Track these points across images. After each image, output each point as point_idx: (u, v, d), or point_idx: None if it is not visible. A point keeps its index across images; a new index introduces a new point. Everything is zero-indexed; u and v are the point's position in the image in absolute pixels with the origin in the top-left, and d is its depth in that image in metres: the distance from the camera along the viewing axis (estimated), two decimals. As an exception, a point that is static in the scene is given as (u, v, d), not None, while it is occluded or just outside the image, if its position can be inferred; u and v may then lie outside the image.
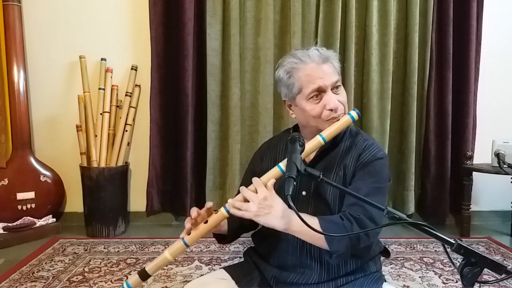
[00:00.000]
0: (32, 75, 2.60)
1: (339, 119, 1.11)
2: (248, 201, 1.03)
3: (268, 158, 1.29)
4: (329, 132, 1.09)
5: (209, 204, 1.14)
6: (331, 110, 1.12)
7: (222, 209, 1.08)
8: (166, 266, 1.91)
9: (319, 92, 1.12)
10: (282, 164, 1.05)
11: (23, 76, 2.48)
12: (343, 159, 1.16)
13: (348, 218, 1.05)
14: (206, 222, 1.10)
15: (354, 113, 1.10)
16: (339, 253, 1.05)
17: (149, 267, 1.13)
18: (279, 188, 1.13)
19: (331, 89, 1.13)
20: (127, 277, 1.82)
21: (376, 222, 1.06)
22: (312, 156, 1.18)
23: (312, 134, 1.14)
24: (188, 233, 1.10)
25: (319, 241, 1.04)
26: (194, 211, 1.11)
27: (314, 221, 1.03)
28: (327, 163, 1.17)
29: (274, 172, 1.06)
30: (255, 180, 1.05)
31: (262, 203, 1.01)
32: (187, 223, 1.10)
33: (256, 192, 1.03)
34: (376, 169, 1.13)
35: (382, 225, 0.98)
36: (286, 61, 1.17)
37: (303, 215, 1.01)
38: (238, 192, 1.10)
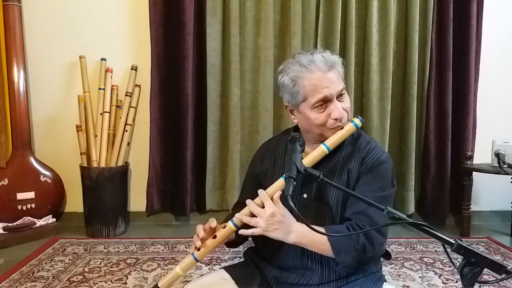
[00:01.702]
0: (32, 75, 2.60)
1: (342, 128, 1.11)
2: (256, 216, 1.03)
3: (268, 159, 1.28)
4: (333, 141, 1.09)
5: (213, 223, 1.12)
6: (336, 119, 1.11)
7: (230, 223, 1.09)
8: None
9: (325, 101, 1.11)
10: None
11: (23, 76, 2.48)
12: (346, 163, 1.15)
13: (354, 229, 1.05)
14: (214, 237, 1.10)
15: (357, 121, 1.10)
16: (346, 264, 1.06)
17: (161, 284, 1.13)
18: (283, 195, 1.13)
19: (336, 97, 1.12)
20: (127, 277, 1.82)
21: (382, 232, 1.07)
22: None
23: (314, 139, 1.13)
24: (198, 249, 1.10)
25: (327, 253, 1.06)
26: (201, 231, 1.09)
27: (321, 231, 1.02)
28: (330, 167, 1.16)
29: (279, 184, 1.06)
30: (261, 193, 1.05)
31: (270, 219, 1.01)
32: (197, 241, 1.09)
33: (263, 207, 1.03)
34: (381, 174, 1.13)
35: (382, 225, 0.98)
36: (290, 68, 1.14)
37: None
38: (240, 204, 1.09)
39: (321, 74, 1.10)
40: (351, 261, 1.05)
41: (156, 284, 1.14)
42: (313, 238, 1.03)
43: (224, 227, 1.10)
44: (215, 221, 1.13)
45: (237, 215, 1.07)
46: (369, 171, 1.13)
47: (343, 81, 1.16)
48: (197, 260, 1.11)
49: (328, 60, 1.12)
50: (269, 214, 1.01)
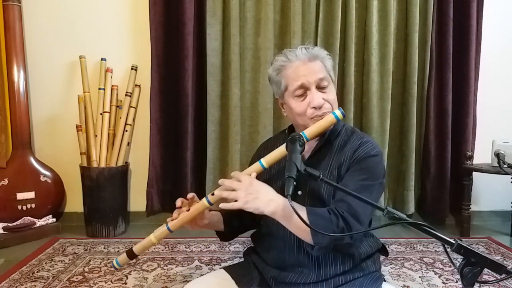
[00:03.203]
0: (32, 75, 2.60)
1: (323, 118, 1.12)
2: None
3: None
4: (311, 130, 1.10)
5: (190, 195, 1.18)
6: (315, 108, 1.12)
7: (204, 199, 1.13)
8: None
9: (303, 89, 1.14)
10: (264, 160, 1.09)
11: (23, 76, 2.48)
12: (338, 157, 1.17)
13: (334, 212, 1.05)
14: (188, 210, 1.15)
15: (338, 112, 1.10)
16: (321, 245, 1.05)
17: (135, 248, 1.21)
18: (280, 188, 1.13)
19: (318, 88, 1.14)
20: (127, 277, 1.82)
21: (360, 219, 1.05)
22: (307, 155, 1.19)
23: None
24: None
25: (304, 232, 1.04)
26: (179, 201, 1.16)
27: (302, 212, 1.02)
28: (322, 162, 1.18)
29: (255, 167, 1.09)
30: (234, 172, 1.09)
31: (249, 189, 1.02)
32: (175, 213, 1.16)
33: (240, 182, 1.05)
34: (369, 166, 1.13)
35: (382, 225, 0.98)
36: (276, 60, 1.21)
37: (293, 204, 1.01)
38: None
39: (300, 63, 1.15)
40: (328, 244, 1.04)
41: (131, 248, 1.22)
42: (292, 212, 1.00)
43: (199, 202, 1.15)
44: (193, 194, 1.18)
45: (215, 191, 1.08)
46: (356, 163, 1.14)
47: (329, 74, 1.18)
48: (170, 231, 1.16)
49: (310, 52, 1.17)
50: (248, 184, 1.02)
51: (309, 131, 1.10)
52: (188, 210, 1.14)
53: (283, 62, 1.18)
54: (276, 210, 1.02)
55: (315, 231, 1.00)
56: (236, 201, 1.02)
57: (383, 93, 2.55)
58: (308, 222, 0.98)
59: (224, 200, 1.05)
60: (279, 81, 1.19)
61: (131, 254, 1.23)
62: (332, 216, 1.04)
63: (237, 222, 1.31)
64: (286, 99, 1.19)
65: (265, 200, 1.01)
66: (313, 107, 1.13)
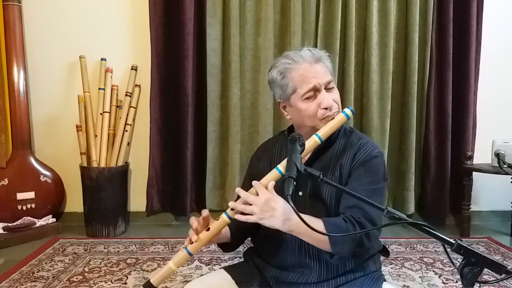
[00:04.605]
0: (32, 75, 2.60)
1: (333, 118, 1.12)
2: (250, 204, 1.02)
3: (264, 160, 1.29)
4: (324, 131, 1.09)
5: (205, 212, 1.14)
6: (326, 108, 1.13)
7: (223, 215, 1.07)
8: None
9: (314, 91, 1.13)
10: (281, 166, 1.05)
11: (23, 76, 2.48)
12: (339, 158, 1.16)
13: (351, 221, 1.05)
14: (208, 229, 1.09)
15: (348, 111, 1.11)
16: (341, 255, 1.05)
17: (154, 279, 1.12)
18: (279, 188, 1.13)
19: (325, 89, 1.14)
20: (127, 277, 1.82)
21: (376, 224, 1.06)
22: (307, 157, 1.18)
23: (308, 134, 1.14)
24: (191, 242, 1.09)
25: (323, 243, 1.04)
26: (194, 222, 1.11)
27: (319, 224, 1.02)
28: (322, 163, 1.17)
29: (273, 175, 1.06)
30: (255, 183, 1.05)
31: (265, 206, 1.01)
32: (192, 236, 1.09)
33: (257, 195, 1.02)
34: (372, 168, 1.13)
35: (382, 225, 0.98)
36: (279, 62, 1.18)
37: (307, 217, 1.01)
38: (238, 197, 1.09)
39: (307, 65, 1.13)
40: (347, 253, 1.04)
41: (149, 280, 1.12)
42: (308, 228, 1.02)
43: (218, 219, 1.09)
44: (207, 211, 1.14)
45: (231, 203, 1.05)
46: (360, 165, 1.13)
47: (331, 75, 1.18)
48: (190, 254, 1.09)
49: (315, 54, 1.15)
50: (263, 201, 1.00)
51: (323, 132, 1.09)
52: (207, 229, 1.09)
53: (288, 64, 1.15)
54: (292, 229, 1.03)
55: (334, 240, 1.02)
56: (251, 214, 1.02)
57: (383, 93, 2.55)
58: (325, 233, 0.99)
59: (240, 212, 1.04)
60: (286, 84, 1.15)
61: (149, 287, 1.11)
62: (349, 225, 1.04)
63: (241, 231, 1.28)
64: (292, 102, 1.17)
65: (281, 219, 1.01)
66: (324, 108, 1.12)
